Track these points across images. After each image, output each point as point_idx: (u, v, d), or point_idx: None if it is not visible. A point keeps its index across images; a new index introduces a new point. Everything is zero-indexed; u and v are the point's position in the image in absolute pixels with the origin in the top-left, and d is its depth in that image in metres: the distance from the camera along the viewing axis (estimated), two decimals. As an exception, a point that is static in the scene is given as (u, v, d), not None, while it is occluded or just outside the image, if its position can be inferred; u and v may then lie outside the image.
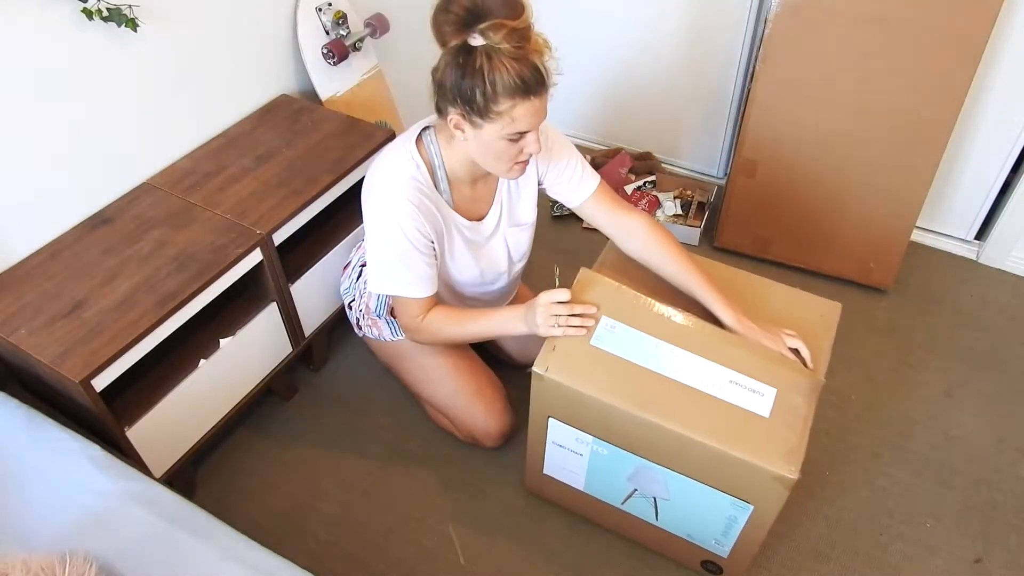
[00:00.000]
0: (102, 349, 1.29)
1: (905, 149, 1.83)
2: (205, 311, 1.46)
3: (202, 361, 1.49)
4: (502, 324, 1.39)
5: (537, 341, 1.33)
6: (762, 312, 1.37)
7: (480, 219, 1.46)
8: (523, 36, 1.12)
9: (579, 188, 1.47)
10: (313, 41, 1.88)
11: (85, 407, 1.32)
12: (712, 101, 2.33)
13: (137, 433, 1.39)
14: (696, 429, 1.20)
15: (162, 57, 1.59)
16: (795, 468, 1.15)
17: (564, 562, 1.53)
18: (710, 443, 1.19)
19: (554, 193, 1.51)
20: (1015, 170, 2.04)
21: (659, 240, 1.43)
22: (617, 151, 2.51)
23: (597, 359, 1.28)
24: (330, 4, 1.89)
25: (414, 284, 1.37)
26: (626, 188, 2.36)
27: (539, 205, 1.54)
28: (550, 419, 1.37)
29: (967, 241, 2.23)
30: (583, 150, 1.87)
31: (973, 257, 2.22)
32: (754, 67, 1.94)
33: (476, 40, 1.12)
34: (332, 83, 1.94)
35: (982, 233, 2.20)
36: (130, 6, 1.45)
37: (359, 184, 1.74)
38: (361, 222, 1.78)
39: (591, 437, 1.35)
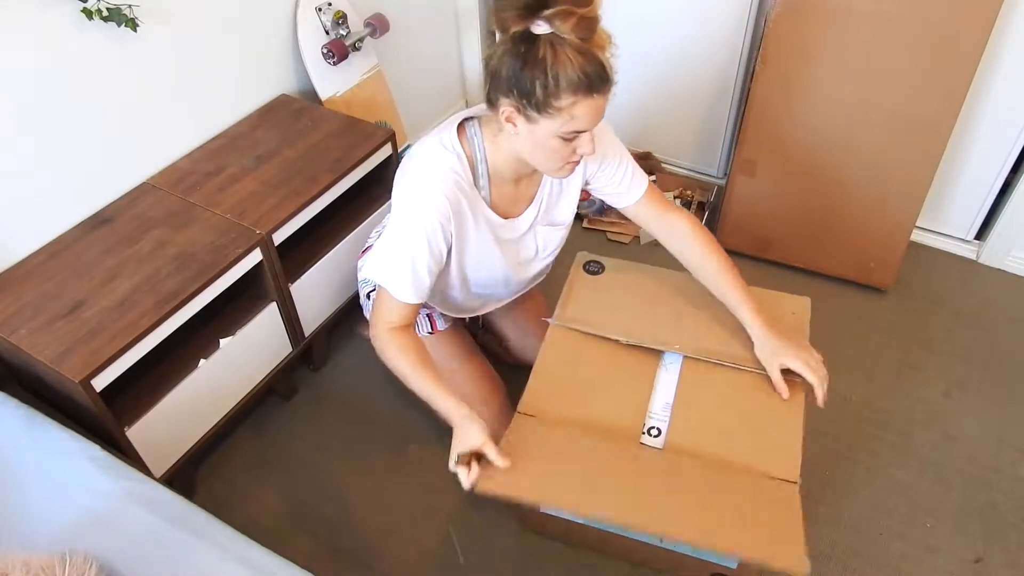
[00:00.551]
0: (102, 349, 1.29)
1: (905, 149, 1.83)
2: (205, 311, 1.46)
3: (202, 361, 1.49)
4: (445, 408, 1.24)
5: (537, 342, 1.31)
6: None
7: (514, 217, 1.38)
8: (590, 27, 1.05)
9: (629, 190, 1.42)
10: (313, 41, 1.88)
11: (85, 407, 1.32)
12: (712, 101, 2.33)
13: (137, 433, 1.39)
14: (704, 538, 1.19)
15: (162, 57, 1.59)
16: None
17: (565, 560, 1.53)
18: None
19: (600, 194, 1.44)
20: (1015, 170, 2.04)
21: (701, 244, 1.42)
22: (617, 151, 2.51)
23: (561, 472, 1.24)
24: (330, 4, 1.89)
25: (408, 288, 1.27)
26: (626, 188, 2.36)
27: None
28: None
29: (967, 241, 2.23)
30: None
31: (973, 257, 2.22)
32: (754, 67, 1.94)
33: (540, 28, 1.04)
34: (332, 83, 1.95)
35: (982, 233, 2.20)
36: (130, 6, 1.45)
37: (359, 184, 1.75)
38: (361, 221, 1.79)
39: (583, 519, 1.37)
